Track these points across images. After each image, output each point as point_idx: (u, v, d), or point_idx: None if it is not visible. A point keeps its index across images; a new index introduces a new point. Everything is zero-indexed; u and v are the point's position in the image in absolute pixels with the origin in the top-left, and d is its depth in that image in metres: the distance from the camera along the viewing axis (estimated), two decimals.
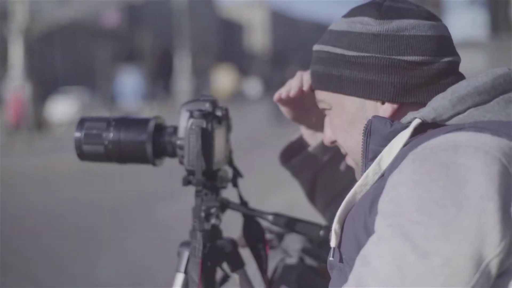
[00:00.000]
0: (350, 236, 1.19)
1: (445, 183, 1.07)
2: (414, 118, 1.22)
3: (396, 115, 1.29)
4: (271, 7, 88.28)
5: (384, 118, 1.26)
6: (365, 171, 1.27)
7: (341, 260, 1.22)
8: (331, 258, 1.23)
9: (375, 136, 1.25)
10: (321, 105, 1.40)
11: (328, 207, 1.71)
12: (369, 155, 1.27)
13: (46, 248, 6.46)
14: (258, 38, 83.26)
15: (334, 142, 1.42)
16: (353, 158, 1.37)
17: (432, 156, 1.11)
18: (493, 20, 15.38)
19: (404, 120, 1.25)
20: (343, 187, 1.66)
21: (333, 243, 1.21)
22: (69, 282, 5.37)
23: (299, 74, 1.55)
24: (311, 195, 1.74)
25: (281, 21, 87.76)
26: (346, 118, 1.34)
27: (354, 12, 1.35)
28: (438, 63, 1.28)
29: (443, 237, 1.03)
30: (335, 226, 1.22)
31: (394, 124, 1.24)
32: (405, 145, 1.20)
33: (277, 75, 40.10)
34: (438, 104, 1.21)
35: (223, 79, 53.15)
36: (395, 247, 1.05)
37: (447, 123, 1.21)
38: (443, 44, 1.30)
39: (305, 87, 1.50)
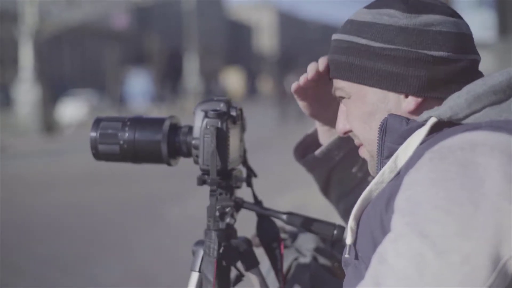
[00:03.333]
0: (365, 233, 1.20)
1: (462, 182, 1.08)
2: (430, 117, 1.22)
3: (418, 109, 1.29)
4: (279, 8, 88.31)
5: (400, 117, 1.27)
6: (380, 168, 1.28)
7: (356, 257, 1.23)
8: (346, 255, 1.23)
9: (391, 134, 1.26)
10: (338, 93, 1.39)
11: (342, 200, 1.71)
12: (385, 152, 1.27)
13: (53, 249, 6.48)
14: (266, 39, 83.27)
15: (347, 132, 1.41)
16: (369, 150, 1.36)
17: (449, 155, 1.12)
18: (501, 22, 15.35)
19: (420, 118, 1.25)
20: (358, 182, 1.67)
21: (349, 240, 1.22)
22: (76, 283, 5.37)
23: (314, 62, 1.52)
24: (325, 189, 1.73)
25: (289, 23, 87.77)
26: (366, 109, 1.33)
27: (380, 4, 1.35)
28: (463, 60, 1.29)
29: (461, 234, 1.04)
30: (351, 223, 1.22)
31: (410, 122, 1.25)
32: (421, 143, 1.20)
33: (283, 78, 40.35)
34: (454, 103, 1.22)
35: (232, 81, 53.19)
36: (413, 245, 1.06)
37: (463, 122, 1.22)
38: (466, 42, 1.31)
39: (321, 68, 1.46)
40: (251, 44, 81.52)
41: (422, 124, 1.23)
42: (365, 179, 1.64)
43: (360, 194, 1.25)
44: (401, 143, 1.24)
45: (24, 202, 9.15)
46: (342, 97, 1.38)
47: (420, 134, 1.21)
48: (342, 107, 1.40)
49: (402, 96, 1.30)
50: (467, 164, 1.09)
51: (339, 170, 1.68)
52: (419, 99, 1.29)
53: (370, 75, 1.31)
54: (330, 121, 1.62)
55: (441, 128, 1.22)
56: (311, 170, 1.71)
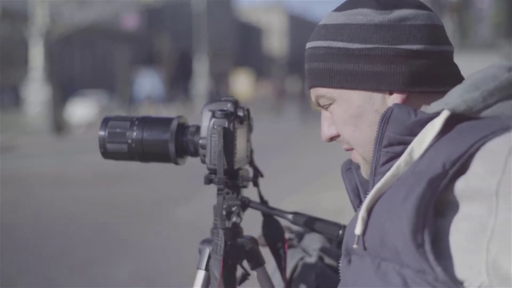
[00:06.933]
0: (376, 226, 1.18)
1: None
2: (443, 109, 1.21)
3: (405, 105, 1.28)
4: (289, 10, 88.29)
5: (407, 107, 1.25)
6: (375, 157, 1.27)
7: (364, 248, 1.20)
8: (354, 246, 1.21)
9: (395, 124, 1.24)
10: (322, 101, 1.36)
11: None
12: (384, 142, 1.26)
13: (63, 248, 6.51)
14: (276, 42, 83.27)
15: (333, 138, 1.39)
16: (360, 153, 1.34)
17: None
18: (511, 25, 15.30)
19: (430, 110, 1.24)
20: None
21: (358, 230, 1.19)
22: (85, 283, 5.40)
23: None
24: None
25: (299, 25, 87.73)
26: (352, 112, 1.31)
27: (351, 5, 1.33)
28: (439, 51, 1.29)
29: None
30: (362, 213, 1.20)
31: (418, 114, 1.23)
32: (437, 137, 1.19)
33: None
34: (469, 97, 1.21)
35: (241, 83, 53.15)
36: None
37: (477, 115, 1.21)
38: (440, 33, 1.31)
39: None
40: (261, 46, 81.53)
41: (433, 117, 1.21)
42: None
43: None
44: (407, 134, 1.23)
45: (33, 201, 9.19)
46: (325, 105, 1.36)
47: (435, 127, 1.19)
48: (325, 113, 1.38)
49: (386, 94, 1.29)
50: None
51: None
52: (404, 95, 1.28)
53: (352, 78, 1.29)
54: None
55: (453, 121, 1.20)
56: None
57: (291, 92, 37.23)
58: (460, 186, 1.13)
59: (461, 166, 1.13)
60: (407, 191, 1.14)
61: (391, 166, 1.23)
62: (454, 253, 1.11)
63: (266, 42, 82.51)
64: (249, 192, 1.67)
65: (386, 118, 1.25)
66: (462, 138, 1.16)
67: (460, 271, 1.10)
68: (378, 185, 1.20)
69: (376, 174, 1.28)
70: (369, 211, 1.20)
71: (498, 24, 15.33)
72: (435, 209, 1.12)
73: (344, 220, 1.64)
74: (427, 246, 1.09)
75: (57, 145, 18.54)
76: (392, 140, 1.25)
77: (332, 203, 7.63)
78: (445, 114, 1.19)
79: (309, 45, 1.37)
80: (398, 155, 1.25)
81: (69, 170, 12.79)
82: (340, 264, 1.30)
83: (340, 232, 1.60)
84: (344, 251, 1.26)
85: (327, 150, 15.41)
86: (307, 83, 1.39)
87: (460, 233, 1.11)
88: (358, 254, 1.22)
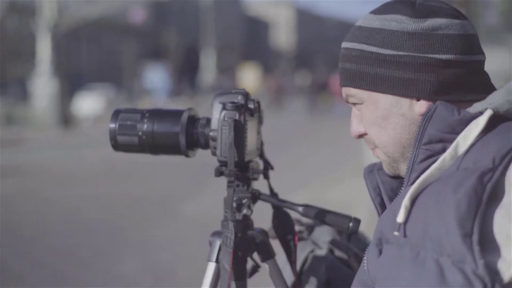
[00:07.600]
0: (419, 216, 1.19)
1: None
2: (486, 109, 1.24)
3: None
4: (296, 5, 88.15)
5: (451, 106, 1.28)
6: (414, 154, 1.30)
7: (405, 236, 1.20)
8: (396, 233, 1.21)
9: (437, 122, 1.27)
10: (351, 100, 1.41)
11: None
12: (424, 139, 1.29)
13: (70, 243, 6.52)
14: (283, 36, 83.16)
15: (361, 135, 1.43)
16: (384, 152, 1.38)
17: None
18: None
19: (473, 109, 1.27)
20: None
21: (400, 218, 1.20)
22: (92, 276, 5.41)
23: None
24: None
25: (306, 19, 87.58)
26: (379, 114, 1.35)
27: (386, 10, 1.36)
28: (469, 61, 1.32)
29: None
30: (406, 202, 1.21)
31: (462, 112, 1.26)
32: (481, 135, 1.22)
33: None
34: None
35: (249, 77, 53.08)
36: None
37: None
38: (473, 43, 1.34)
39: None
40: (268, 40, 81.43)
41: (475, 116, 1.25)
42: None
43: None
44: (448, 132, 1.26)
45: (41, 195, 9.21)
46: (355, 103, 1.41)
47: (479, 124, 1.22)
48: (355, 111, 1.43)
49: (414, 100, 1.33)
50: None
51: None
52: (431, 102, 1.31)
53: (382, 82, 1.34)
54: None
55: (495, 121, 1.23)
56: None
57: (298, 87, 37.16)
58: (510, 177, 1.15)
59: (510, 160, 1.16)
60: (456, 185, 1.16)
61: (429, 164, 1.27)
62: (495, 245, 1.11)
63: (273, 36, 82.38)
64: (259, 185, 1.67)
65: (429, 115, 1.28)
66: (509, 134, 1.20)
67: (498, 262, 1.11)
68: (423, 176, 1.22)
69: (413, 171, 1.31)
70: (413, 201, 1.22)
71: (505, 12, 15.28)
72: (487, 202, 1.13)
73: (352, 214, 1.64)
74: (475, 237, 1.10)
75: (64, 138, 18.56)
76: (432, 137, 1.28)
77: (339, 197, 7.63)
78: (489, 113, 1.23)
79: (343, 44, 1.41)
80: (437, 153, 1.27)
81: (76, 164, 12.81)
82: (366, 254, 1.30)
83: (351, 224, 1.60)
84: (376, 240, 1.27)
85: (335, 145, 15.40)
86: (339, 81, 1.43)
87: (498, 223, 1.13)
88: (396, 243, 1.21)
